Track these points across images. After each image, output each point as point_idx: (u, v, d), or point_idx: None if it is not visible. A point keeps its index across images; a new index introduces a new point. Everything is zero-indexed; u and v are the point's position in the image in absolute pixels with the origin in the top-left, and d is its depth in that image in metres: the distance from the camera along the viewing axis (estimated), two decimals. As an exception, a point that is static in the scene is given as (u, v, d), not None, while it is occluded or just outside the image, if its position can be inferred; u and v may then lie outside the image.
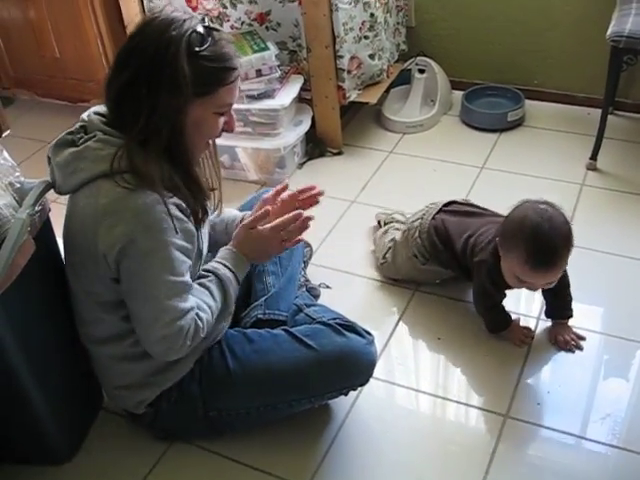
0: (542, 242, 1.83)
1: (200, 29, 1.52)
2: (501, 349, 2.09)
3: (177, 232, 1.54)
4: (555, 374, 2.03)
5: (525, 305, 2.23)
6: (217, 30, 1.56)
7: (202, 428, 1.83)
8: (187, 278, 1.60)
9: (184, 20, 1.51)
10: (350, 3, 2.74)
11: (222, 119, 1.64)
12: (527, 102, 3.13)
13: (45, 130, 3.34)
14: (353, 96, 2.97)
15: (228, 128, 1.67)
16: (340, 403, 1.90)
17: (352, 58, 2.87)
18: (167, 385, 1.74)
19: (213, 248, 1.83)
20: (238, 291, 1.76)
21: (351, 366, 1.77)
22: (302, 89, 2.91)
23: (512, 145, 2.99)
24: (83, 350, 1.90)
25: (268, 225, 1.75)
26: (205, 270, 1.72)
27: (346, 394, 1.85)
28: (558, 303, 2.09)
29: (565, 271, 1.99)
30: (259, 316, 1.87)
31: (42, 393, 1.72)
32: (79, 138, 1.58)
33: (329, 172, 2.93)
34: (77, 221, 1.58)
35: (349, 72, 2.88)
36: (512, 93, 3.16)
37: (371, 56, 2.95)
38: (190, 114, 1.55)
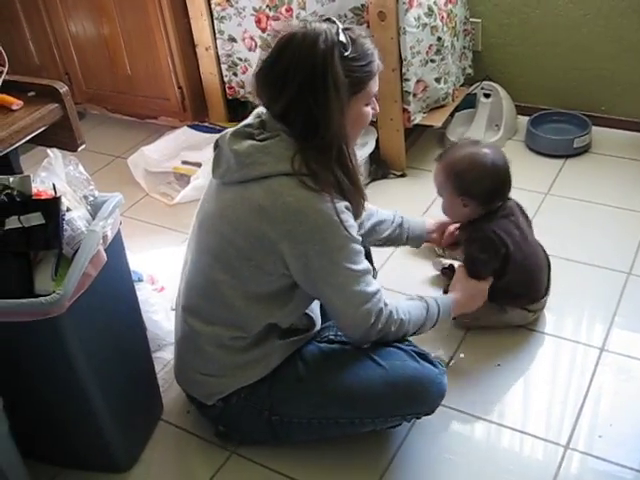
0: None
1: (342, 34, 1.60)
2: (563, 378, 2.07)
3: (353, 227, 1.65)
4: (618, 406, 1.98)
5: (586, 334, 2.20)
6: (350, 29, 1.63)
7: (263, 431, 1.84)
8: (367, 263, 1.71)
9: (326, 30, 1.59)
10: (418, 27, 2.76)
11: (370, 107, 1.73)
12: (594, 128, 3.09)
13: (113, 144, 3.44)
14: (418, 119, 2.98)
15: (375, 112, 1.76)
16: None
17: (418, 81, 2.88)
18: (246, 382, 1.77)
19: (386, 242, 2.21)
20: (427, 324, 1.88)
21: (421, 392, 1.77)
22: (367, 111, 2.92)
23: (578, 172, 2.96)
24: (145, 359, 1.95)
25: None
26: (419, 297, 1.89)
27: (409, 421, 1.85)
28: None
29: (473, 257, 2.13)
30: (330, 337, 1.88)
31: (107, 403, 1.76)
32: (259, 133, 1.65)
33: (392, 194, 2.94)
34: (248, 213, 1.64)
35: (415, 95, 2.89)
36: (579, 119, 3.13)
37: (437, 79, 2.95)
38: (349, 113, 1.64)
